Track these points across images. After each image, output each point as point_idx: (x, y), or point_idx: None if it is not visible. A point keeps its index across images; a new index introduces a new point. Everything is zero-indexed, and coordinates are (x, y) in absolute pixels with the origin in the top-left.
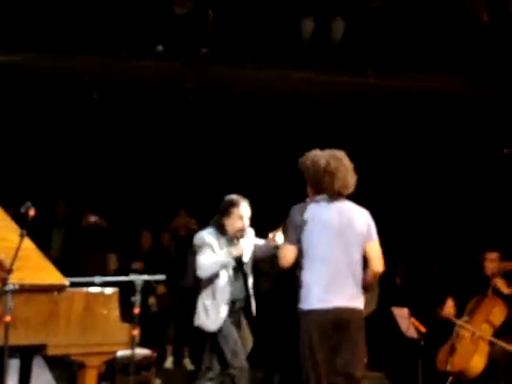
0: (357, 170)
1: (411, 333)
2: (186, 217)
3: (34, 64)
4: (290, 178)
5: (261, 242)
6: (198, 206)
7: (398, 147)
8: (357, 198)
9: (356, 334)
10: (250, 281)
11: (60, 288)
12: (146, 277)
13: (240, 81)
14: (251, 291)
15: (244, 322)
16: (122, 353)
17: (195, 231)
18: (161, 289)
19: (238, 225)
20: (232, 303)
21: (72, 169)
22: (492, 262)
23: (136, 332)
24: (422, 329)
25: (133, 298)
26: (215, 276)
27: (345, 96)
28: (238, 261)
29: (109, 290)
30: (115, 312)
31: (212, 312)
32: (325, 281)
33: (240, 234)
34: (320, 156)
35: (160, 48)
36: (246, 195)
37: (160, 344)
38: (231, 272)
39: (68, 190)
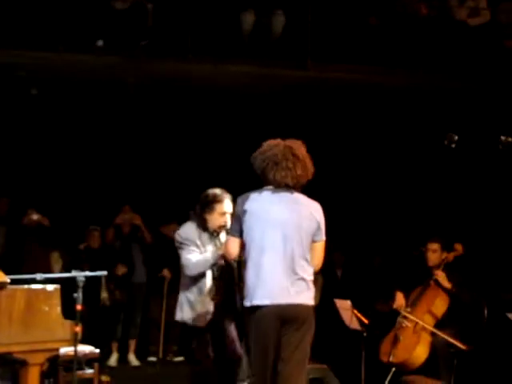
0: None
1: (354, 325)
2: (130, 212)
3: None
4: (230, 170)
5: None
6: (143, 202)
7: (338, 139)
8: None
9: (301, 332)
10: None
11: (1, 285)
12: (87, 273)
13: (181, 74)
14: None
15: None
16: (64, 350)
17: (138, 227)
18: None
19: (221, 221)
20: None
21: (14, 165)
22: (434, 252)
23: (78, 329)
24: (365, 320)
25: (75, 295)
26: (202, 273)
27: (285, 88)
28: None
29: (50, 287)
30: (57, 309)
31: (199, 307)
32: (264, 276)
33: (221, 229)
34: (270, 146)
35: (100, 43)
36: (188, 189)
37: (106, 341)
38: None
39: (10, 186)
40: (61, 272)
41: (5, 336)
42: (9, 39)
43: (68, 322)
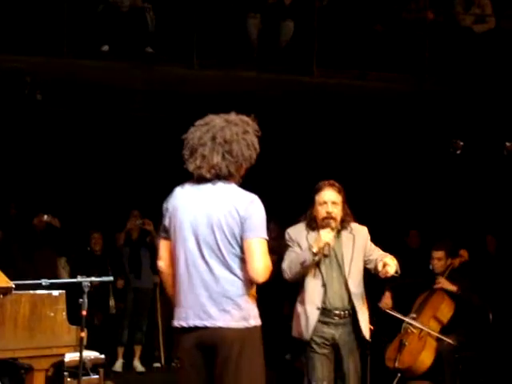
0: (303, 167)
1: None
2: (139, 218)
3: None
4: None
5: None
6: (151, 206)
7: (344, 145)
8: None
9: (233, 365)
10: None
11: (5, 291)
12: (93, 279)
13: (187, 80)
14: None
15: None
16: (69, 355)
17: (147, 232)
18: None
19: (322, 212)
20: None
21: (19, 170)
22: (439, 260)
23: (83, 334)
24: (370, 326)
25: (80, 300)
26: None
27: (291, 94)
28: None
29: (55, 293)
30: (62, 314)
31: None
32: (181, 290)
33: (327, 222)
34: (196, 126)
35: (105, 48)
36: None
37: (112, 346)
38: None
39: (16, 191)
40: (68, 278)
41: (10, 341)
42: (14, 45)
43: (73, 328)
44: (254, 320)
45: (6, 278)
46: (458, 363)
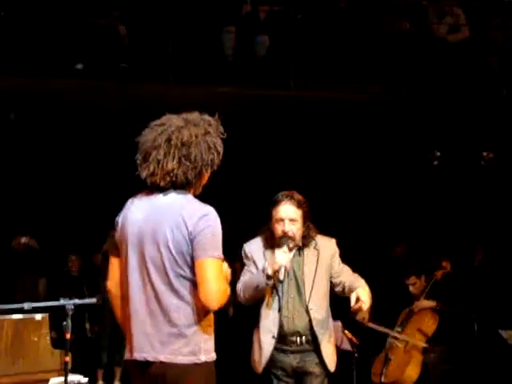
0: (281, 181)
1: (345, 345)
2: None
3: None
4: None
5: None
6: None
7: (322, 158)
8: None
9: None
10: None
11: None
12: (76, 301)
13: (161, 97)
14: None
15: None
16: (54, 380)
17: None
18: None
19: (278, 230)
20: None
21: None
22: (413, 285)
23: (68, 358)
24: (356, 341)
25: (64, 323)
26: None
27: (269, 108)
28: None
29: (38, 316)
30: (46, 338)
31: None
32: (129, 315)
33: (283, 242)
34: (154, 127)
35: (79, 66)
36: None
37: (91, 368)
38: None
39: None
40: (45, 299)
41: None
42: None
43: (57, 352)
44: (205, 355)
45: None
46: (444, 376)
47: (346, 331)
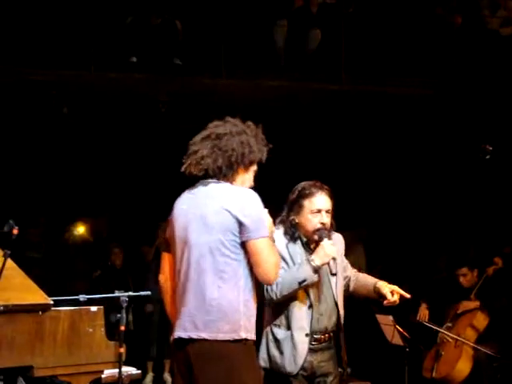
0: (330, 174)
1: (396, 340)
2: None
3: (2, 79)
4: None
5: None
6: None
7: (371, 152)
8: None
9: (217, 379)
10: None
11: (44, 308)
12: (131, 293)
13: (214, 91)
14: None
15: None
16: (108, 371)
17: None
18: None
19: (314, 223)
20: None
21: (46, 184)
22: (464, 276)
23: (122, 350)
24: (407, 335)
25: (118, 316)
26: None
27: (320, 102)
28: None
29: (94, 308)
30: (101, 330)
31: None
32: (178, 301)
33: (318, 235)
34: (202, 130)
35: (133, 59)
36: None
37: (141, 360)
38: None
39: (45, 205)
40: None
41: (50, 359)
42: (40, 58)
43: (111, 344)
44: (245, 333)
45: (45, 295)
46: (496, 372)
47: (398, 326)
